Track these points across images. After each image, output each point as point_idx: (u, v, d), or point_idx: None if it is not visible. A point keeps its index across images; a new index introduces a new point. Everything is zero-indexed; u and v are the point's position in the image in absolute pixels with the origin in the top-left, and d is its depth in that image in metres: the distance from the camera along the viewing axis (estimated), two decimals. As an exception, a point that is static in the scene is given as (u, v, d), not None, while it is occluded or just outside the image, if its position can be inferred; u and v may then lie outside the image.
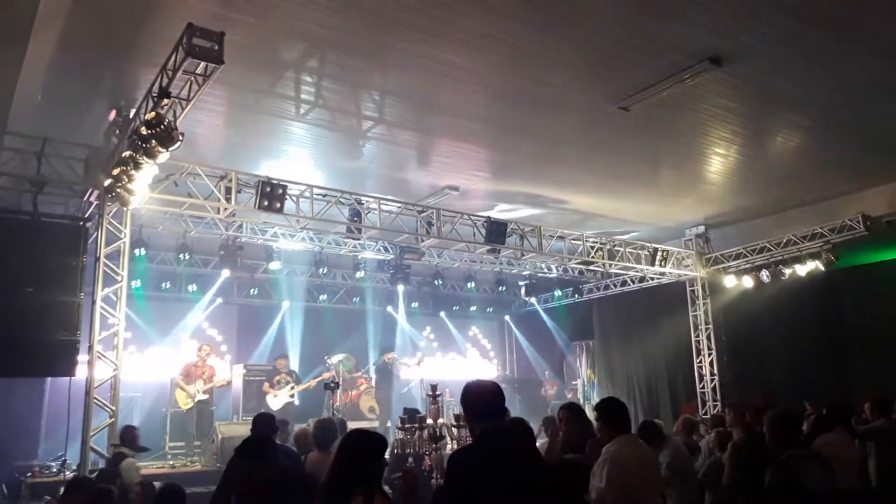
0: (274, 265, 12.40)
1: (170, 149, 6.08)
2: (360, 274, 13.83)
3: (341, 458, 3.18)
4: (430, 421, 5.40)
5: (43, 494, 7.84)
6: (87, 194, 8.20)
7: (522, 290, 16.60)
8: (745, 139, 9.16)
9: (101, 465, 7.28)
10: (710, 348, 13.30)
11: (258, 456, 3.55)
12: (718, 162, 10.00)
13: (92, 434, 7.38)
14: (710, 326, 13.39)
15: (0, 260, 7.31)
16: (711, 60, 6.79)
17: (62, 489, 7.00)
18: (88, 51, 6.51)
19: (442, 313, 16.87)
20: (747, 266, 12.81)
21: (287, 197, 8.59)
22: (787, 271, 12.05)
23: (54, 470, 8.52)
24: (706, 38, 6.54)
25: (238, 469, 3.58)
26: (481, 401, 3.33)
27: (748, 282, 12.74)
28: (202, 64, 5.50)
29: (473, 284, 15.59)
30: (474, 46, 6.62)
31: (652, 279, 14.02)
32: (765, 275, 12.37)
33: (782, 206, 12.04)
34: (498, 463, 3.10)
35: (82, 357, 7.66)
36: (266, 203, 8.35)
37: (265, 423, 5.98)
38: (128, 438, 7.08)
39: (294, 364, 13.56)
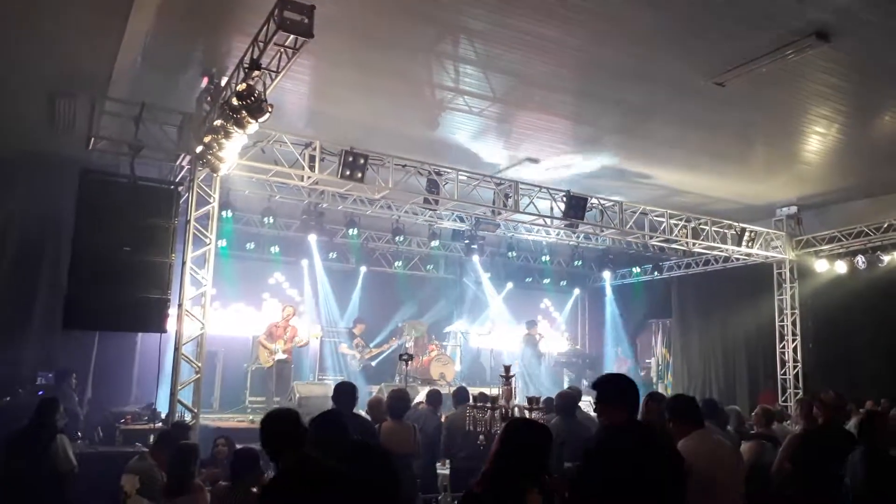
0: (353, 231, 12.64)
1: (259, 120, 6.21)
2: (434, 243, 13.91)
3: (505, 450, 3.11)
4: (502, 402, 5.40)
5: (135, 441, 8.34)
6: (180, 159, 8.51)
7: (599, 265, 16.34)
8: (847, 117, 8.65)
9: (188, 417, 7.68)
10: (794, 334, 12.74)
11: None
12: (817, 140, 9.47)
13: (179, 388, 7.78)
14: (797, 311, 12.81)
15: (101, 219, 7.67)
16: (818, 35, 6.40)
17: (152, 437, 7.48)
18: (185, 19, 6.68)
19: (513, 284, 16.78)
20: (841, 251, 12.17)
21: (368, 166, 8.69)
22: (886, 258, 11.39)
23: (145, 418, 9.04)
24: (814, 12, 6.15)
25: None
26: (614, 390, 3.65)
27: (841, 267, 12.12)
28: (292, 36, 5.56)
29: (548, 257, 15.47)
30: (567, 19, 6.44)
31: (737, 259, 13.47)
32: (860, 261, 11.71)
33: (884, 189, 11.35)
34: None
35: (171, 311, 8.01)
36: (348, 172, 8.48)
37: (345, 396, 5.72)
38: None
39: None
